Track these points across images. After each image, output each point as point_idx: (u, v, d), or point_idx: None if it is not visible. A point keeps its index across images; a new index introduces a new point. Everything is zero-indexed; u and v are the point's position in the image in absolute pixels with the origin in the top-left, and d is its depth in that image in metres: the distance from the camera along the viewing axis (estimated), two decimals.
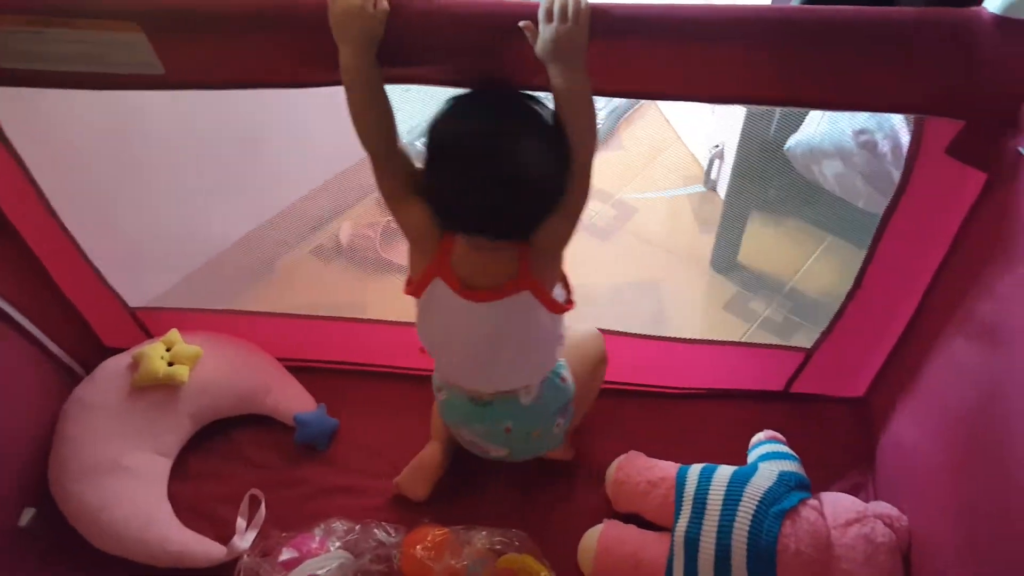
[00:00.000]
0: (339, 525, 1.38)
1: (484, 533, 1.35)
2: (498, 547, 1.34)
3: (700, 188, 2.18)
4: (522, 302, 1.14)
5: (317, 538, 1.37)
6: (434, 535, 1.34)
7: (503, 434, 1.32)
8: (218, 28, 1.03)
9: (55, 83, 1.10)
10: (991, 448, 1.06)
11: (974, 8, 0.92)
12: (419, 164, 1.08)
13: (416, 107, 2.29)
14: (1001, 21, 0.90)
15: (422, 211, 1.09)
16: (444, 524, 1.38)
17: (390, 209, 1.11)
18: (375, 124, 1.03)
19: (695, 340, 1.60)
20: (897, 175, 1.17)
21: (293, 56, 1.04)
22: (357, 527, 1.38)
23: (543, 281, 1.14)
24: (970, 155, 1.03)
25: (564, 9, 0.93)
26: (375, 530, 1.38)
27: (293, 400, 1.60)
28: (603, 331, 1.51)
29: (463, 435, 1.38)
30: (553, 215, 1.07)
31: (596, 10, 0.95)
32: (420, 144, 1.05)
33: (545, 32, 0.94)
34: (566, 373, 1.34)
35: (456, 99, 1.04)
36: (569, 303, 1.22)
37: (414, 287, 1.17)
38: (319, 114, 1.04)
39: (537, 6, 0.95)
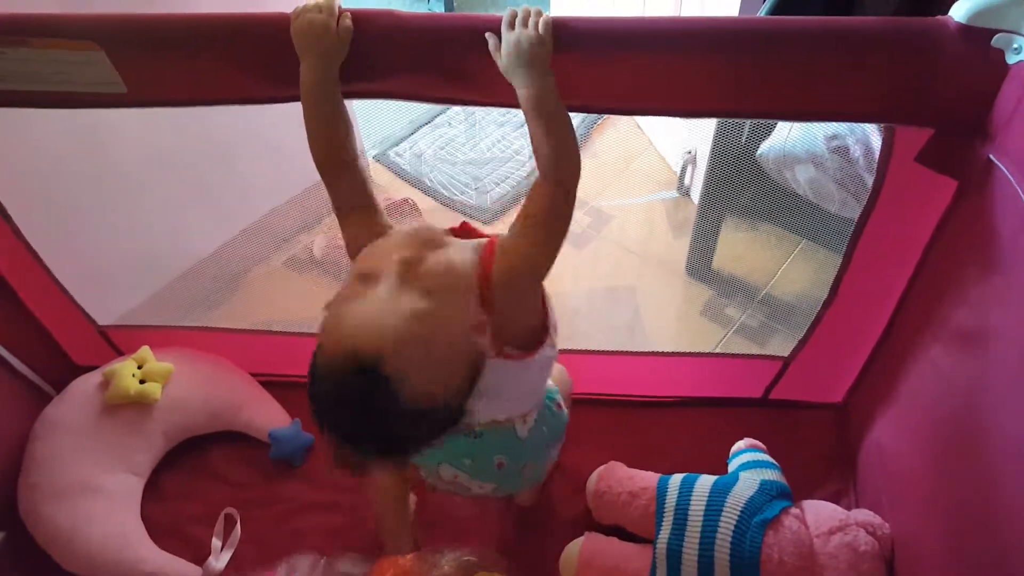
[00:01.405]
0: (303, 560, 1.35)
1: (453, 555, 1.31)
2: (468, 567, 1.31)
3: (674, 194, 2.18)
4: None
5: None
6: (401, 562, 1.30)
7: (494, 470, 1.17)
8: (178, 45, 1.02)
9: (17, 102, 1.09)
10: (970, 453, 1.06)
11: (939, 17, 0.93)
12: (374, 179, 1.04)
13: (388, 116, 2.30)
14: (966, 30, 0.91)
15: (360, 227, 1.01)
16: (419, 543, 1.36)
17: (339, 221, 1.04)
18: (327, 139, 1.00)
19: (673, 352, 1.60)
20: (869, 179, 1.17)
21: (255, 72, 1.02)
22: (322, 561, 1.35)
23: (514, 317, 0.98)
24: (940, 162, 1.03)
25: (526, 17, 0.93)
26: (340, 563, 1.35)
27: (267, 416, 1.59)
28: (579, 351, 1.53)
29: (443, 474, 1.20)
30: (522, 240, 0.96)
31: (559, 23, 0.94)
32: (393, 154, 1.03)
33: (508, 38, 0.93)
34: (560, 399, 1.24)
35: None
36: (536, 345, 1.04)
37: None
38: (290, 126, 1.03)
39: (500, 20, 0.94)
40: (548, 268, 0.98)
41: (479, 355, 0.90)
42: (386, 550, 1.38)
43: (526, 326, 1.02)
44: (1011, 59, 0.90)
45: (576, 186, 0.96)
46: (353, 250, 1.04)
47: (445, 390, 0.86)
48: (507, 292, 0.94)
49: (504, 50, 0.94)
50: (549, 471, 1.44)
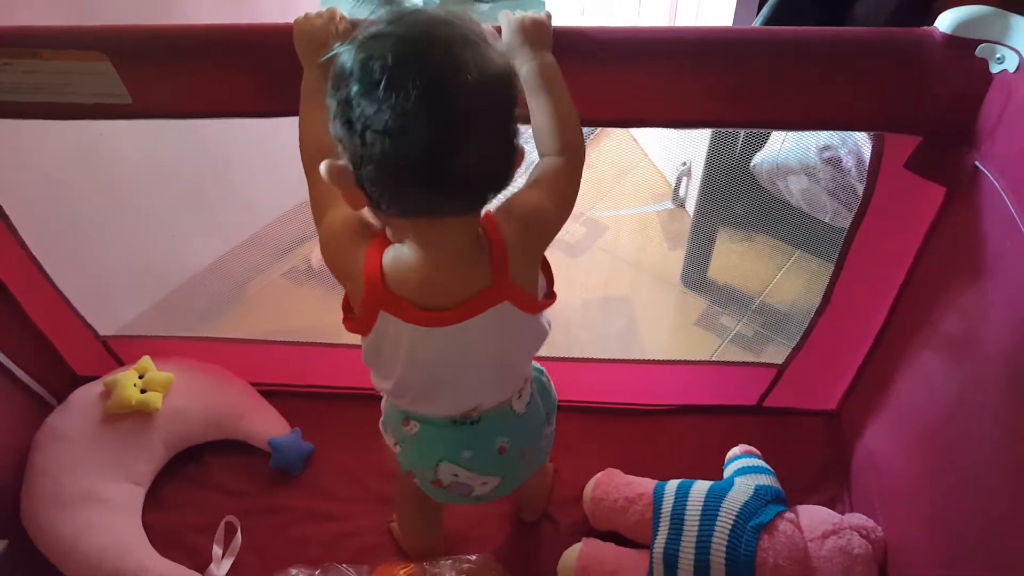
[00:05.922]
0: (298, 574, 1.34)
1: (450, 562, 1.31)
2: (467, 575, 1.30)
3: (669, 205, 2.20)
4: (499, 315, 0.93)
5: None
6: (399, 572, 1.30)
7: (496, 457, 1.09)
8: (185, 57, 1.03)
9: (23, 114, 1.09)
10: (961, 457, 1.08)
11: (925, 28, 0.95)
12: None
13: None
14: (951, 40, 0.93)
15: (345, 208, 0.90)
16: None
17: (318, 220, 0.97)
18: (324, 141, 0.89)
19: (669, 360, 1.62)
20: (861, 189, 1.19)
21: (261, 85, 1.03)
22: (316, 572, 1.34)
23: (524, 284, 0.93)
24: (928, 169, 1.05)
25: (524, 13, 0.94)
26: (337, 573, 1.33)
27: (267, 425, 1.59)
28: (574, 359, 1.54)
29: (441, 476, 1.12)
30: (537, 190, 0.92)
31: (555, 31, 0.95)
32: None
33: (509, 19, 0.94)
34: (548, 376, 1.20)
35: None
36: (550, 296, 1.00)
37: (356, 324, 0.97)
38: (288, 138, 1.04)
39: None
40: (560, 225, 0.94)
41: None
42: (410, 553, 1.39)
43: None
44: (994, 68, 0.93)
45: (584, 155, 0.94)
46: (346, 225, 0.95)
47: None
48: (523, 245, 0.91)
49: (505, 29, 0.94)
50: (549, 481, 1.48)
